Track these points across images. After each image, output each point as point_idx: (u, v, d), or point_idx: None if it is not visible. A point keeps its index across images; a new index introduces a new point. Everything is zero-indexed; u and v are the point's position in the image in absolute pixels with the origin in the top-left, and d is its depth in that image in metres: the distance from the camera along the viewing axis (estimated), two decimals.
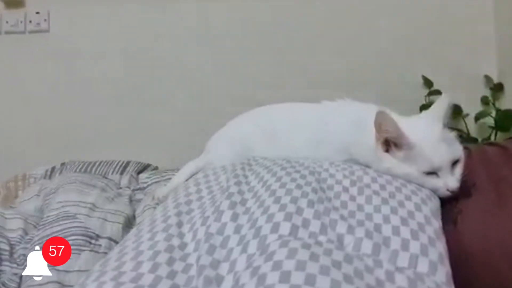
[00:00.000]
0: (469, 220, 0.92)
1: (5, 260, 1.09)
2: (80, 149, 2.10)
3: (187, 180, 1.15)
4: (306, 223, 0.78)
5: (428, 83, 1.98)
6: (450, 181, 0.97)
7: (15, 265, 1.09)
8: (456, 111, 1.94)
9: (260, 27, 2.09)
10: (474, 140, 1.90)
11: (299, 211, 0.80)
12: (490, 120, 1.91)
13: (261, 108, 1.29)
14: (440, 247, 0.78)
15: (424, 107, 1.94)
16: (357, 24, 2.05)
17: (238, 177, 0.98)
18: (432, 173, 0.98)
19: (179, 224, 0.87)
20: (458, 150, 1.00)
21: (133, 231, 0.90)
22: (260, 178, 0.96)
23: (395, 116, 1.03)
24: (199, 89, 2.10)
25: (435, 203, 0.93)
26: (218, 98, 2.07)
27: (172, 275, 0.73)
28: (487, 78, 1.98)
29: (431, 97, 1.96)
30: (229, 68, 2.10)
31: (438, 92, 1.93)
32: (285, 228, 0.76)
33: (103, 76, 2.17)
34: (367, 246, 0.75)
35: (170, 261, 0.76)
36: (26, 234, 1.15)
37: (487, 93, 1.98)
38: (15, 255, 1.11)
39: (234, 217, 0.83)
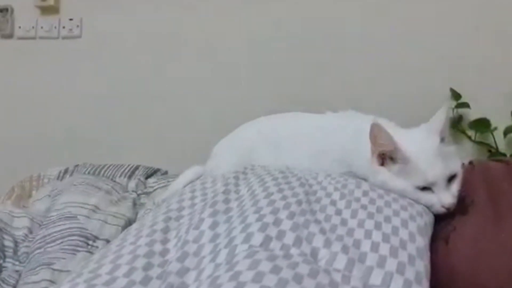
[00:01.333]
0: (461, 239, 0.89)
1: (9, 257, 1.13)
2: (100, 152, 2.15)
3: (186, 185, 1.16)
4: (280, 235, 0.77)
5: (456, 95, 1.91)
6: (445, 197, 0.94)
7: (17, 263, 1.13)
8: (484, 125, 1.87)
9: (286, 33, 2.08)
10: (503, 155, 1.83)
11: (277, 222, 0.80)
12: None
13: (266, 117, 1.30)
14: (420, 265, 0.76)
15: (452, 120, 1.89)
16: (383, 33, 2.01)
17: (228, 185, 0.98)
18: (427, 188, 0.95)
19: (165, 230, 0.87)
20: (455, 165, 0.97)
21: (121, 234, 0.92)
22: (250, 188, 0.96)
23: (393, 128, 1.01)
24: (215, 97, 2.12)
25: (426, 219, 0.90)
26: (235, 105, 2.07)
27: (146, 280, 0.73)
28: None
29: (459, 110, 1.89)
30: (246, 75, 2.11)
31: (466, 105, 1.86)
32: (257, 239, 0.75)
33: (128, 82, 2.22)
34: (340, 261, 0.73)
35: (148, 266, 0.76)
36: (31, 232, 1.19)
37: None
38: (19, 253, 1.15)
39: (213, 226, 0.83)
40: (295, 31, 2.05)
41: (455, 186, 0.96)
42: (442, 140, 0.98)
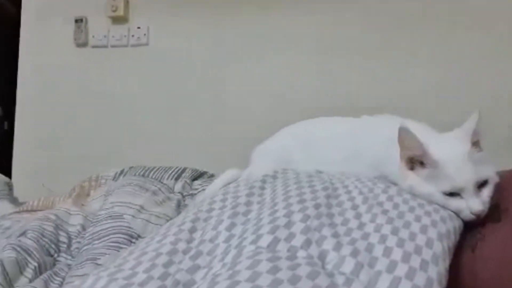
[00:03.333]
0: (489, 247, 0.86)
1: (63, 252, 1.22)
2: (160, 153, 2.27)
3: (222, 187, 1.19)
4: (290, 237, 0.79)
5: None
6: (474, 204, 0.91)
7: (69, 257, 1.21)
8: None
9: (343, 39, 2.08)
10: None
11: (289, 225, 0.81)
12: None
13: (303, 121, 1.31)
14: (433, 272, 0.74)
15: None
16: (447, 38, 1.96)
17: (253, 188, 1.01)
18: (456, 194, 0.93)
19: (192, 230, 0.91)
20: (487, 171, 0.93)
21: (152, 233, 0.97)
22: (273, 191, 0.98)
23: (425, 132, 1.00)
24: (266, 103, 2.17)
25: (450, 226, 0.87)
26: (283, 110, 2.10)
27: (164, 276, 0.77)
28: None
29: None
30: (295, 80, 2.14)
31: None
32: (265, 241, 0.78)
33: (189, 87, 2.32)
34: (348, 265, 0.74)
35: (168, 264, 0.80)
36: (84, 229, 1.28)
37: None
38: (72, 248, 1.23)
39: (230, 227, 0.86)
40: (350, 38, 2.06)
41: (486, 193, 0.93)
42: (474, 145, 0.95)
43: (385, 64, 2.05)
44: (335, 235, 0.81)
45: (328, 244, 0.78)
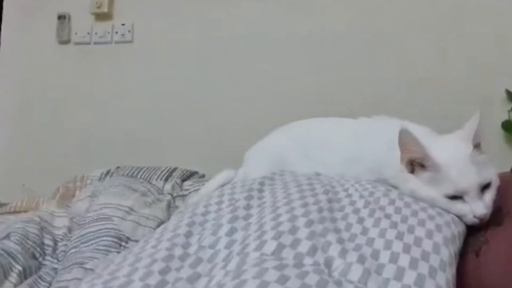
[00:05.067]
0: (493, 252, 0.84)
1: (48, 255, 1.18)
2: (146, 153, 2.23)
3: (217, 189, 1.16)
4: (295, 243, 0.76)
5: None
6: (477, 207, 0.90)
7: (55, 261, 1.17)
8: None
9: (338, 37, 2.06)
10: None
11: (293, 230, 0.79)
12: None
13: (299, 122, 1.29)
14: (441, 278, 0.72)
15: (507, 123, 1.81)
16: (439, 33, 1.95)
17: (251, 191, 0.98)
18: (459, 197, 0.91)
19: (188, 235, 0.87)
20: (489, 174, 0.92)
21: (145, 237, 0.93)
22: (273, 194, 0.95)
23: (425, 135, 0.98)
24: (256, 101, 2.14)
25: (455, 230, 0.86)
26: (275, 109, 2.07)
27: (161, 284, 0.74)
28: None
29: None
30: (288, 80, 2.11)
31: None
32: (269, 247, 0.75)
33: (176, 85, 2.28)
34: (355, 272, 0.71)
35: (165, 271, 0.76)
36: (70, 232, 1.24)
37: None
38: (57, 251, 1.19)
39: (231, 232, 0.83)
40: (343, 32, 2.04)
41: (489, 196, 0.92)
42: (476, 147, 0.94)
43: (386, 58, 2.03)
44: (340, 240, 0.78)
45: (334, 251, 0.76)
